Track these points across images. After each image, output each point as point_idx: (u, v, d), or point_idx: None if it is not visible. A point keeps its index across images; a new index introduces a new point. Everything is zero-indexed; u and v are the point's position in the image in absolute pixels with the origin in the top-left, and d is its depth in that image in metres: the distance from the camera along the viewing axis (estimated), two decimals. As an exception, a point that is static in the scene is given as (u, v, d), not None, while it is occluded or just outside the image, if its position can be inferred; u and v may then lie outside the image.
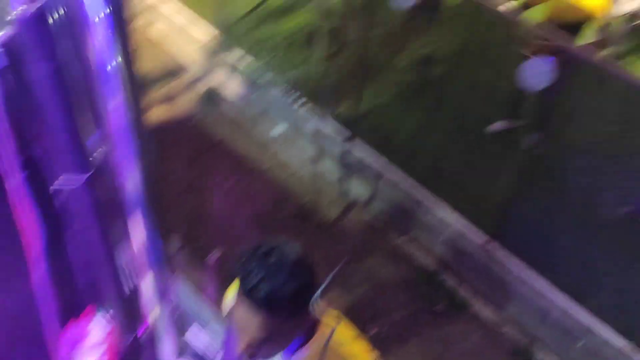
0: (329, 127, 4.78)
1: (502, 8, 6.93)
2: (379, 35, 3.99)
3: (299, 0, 6.70)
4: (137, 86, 1.72)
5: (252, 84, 3.93)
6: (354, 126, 4.89)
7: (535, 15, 5.10)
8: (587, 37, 5.11)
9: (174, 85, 6.31)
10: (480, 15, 5.68)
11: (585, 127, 5.34)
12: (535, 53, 4.62)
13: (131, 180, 1.92)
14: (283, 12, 6.60)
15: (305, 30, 3.78)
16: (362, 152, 5.22)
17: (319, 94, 3.72)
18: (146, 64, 6.58)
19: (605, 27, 5.14)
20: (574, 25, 5.01)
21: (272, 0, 6.73)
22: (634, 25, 5.96)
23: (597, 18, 4.98)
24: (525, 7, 5.13)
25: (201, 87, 6.26)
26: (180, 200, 4.89)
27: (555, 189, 5.07)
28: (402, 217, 5.23)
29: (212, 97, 6.13)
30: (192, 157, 5.64)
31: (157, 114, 6.02)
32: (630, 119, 5.29)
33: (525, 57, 4.69)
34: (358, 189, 5.42)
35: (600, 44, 5.22)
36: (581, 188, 4.94)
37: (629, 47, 6.53)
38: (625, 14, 5.66)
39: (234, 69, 4.01)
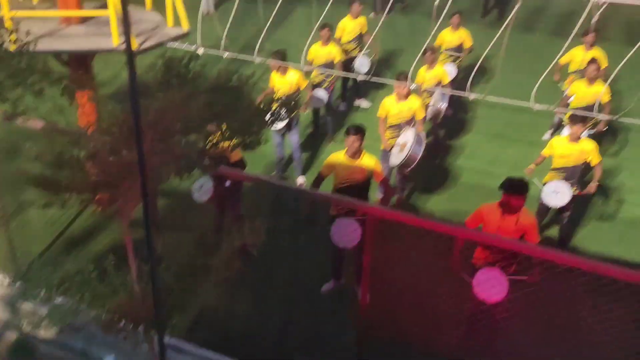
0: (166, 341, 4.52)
1: (299, 182, 7.68)
2: (191, 238, 4.06)
3: (98, 223, 6.63)
4: None
5: (69, 323, 3.61)
6: (190, 335, 4.70)
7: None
8: (376, 192, 5.84)
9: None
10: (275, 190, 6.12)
11: (394, 274, 5.74)
12: (339, 215, 5.10)
13: None
14: (84, 239, 6.47)
15: (112, 252, 3.68)
16: (205, 355, 4.98)
17: (143, 314, 3.55)
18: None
19: (385, 180, 5.93)
20: (364, 184, 5.69)
21: (69, 232, 6.55)
22: (404, 175, 7.04)
23: (378, 173, 5.72)
24: (320, 177, 5.73)
25: (9, 338, 5.58)
26: None
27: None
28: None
29: (23, 347, 5.47)
30: None
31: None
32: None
33: (332, 221, 5.16)
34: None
35: (387, 196, 5.98)
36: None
37: (407, 194, 7.62)
38: (396, 165, 6.64)
39: (42, 312, 3.68)
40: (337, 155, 5.70)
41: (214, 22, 6.87)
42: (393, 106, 6.87)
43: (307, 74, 8.05)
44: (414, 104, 6.88)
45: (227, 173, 4.64)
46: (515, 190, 4.75)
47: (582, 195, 6.39)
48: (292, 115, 7.14)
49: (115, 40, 5.71)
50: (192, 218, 6.04)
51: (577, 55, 8.10)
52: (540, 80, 5.65)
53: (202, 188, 4.31)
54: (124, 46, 2.80)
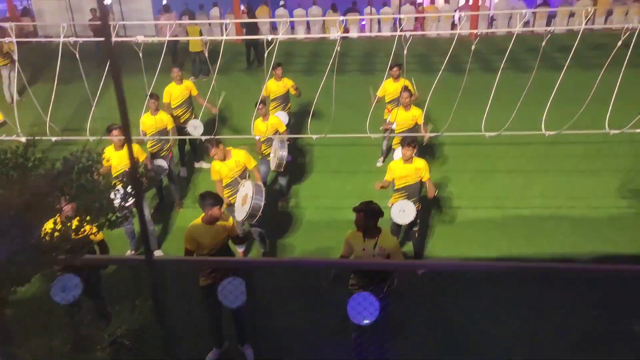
0: None
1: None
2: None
3: None
4: None
5: None
6: None
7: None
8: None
9: None
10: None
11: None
12: (213, 284, 4.99)
13: None
14: None
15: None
16: None
17: None
18: None
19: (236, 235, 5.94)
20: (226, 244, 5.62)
21: None
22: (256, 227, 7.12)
23: (232, 228, 5.70)
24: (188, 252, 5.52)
25: None
26: None
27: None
28: None
29: None
30: None
31: None
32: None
33: (206, 290, 5.01)
34: None
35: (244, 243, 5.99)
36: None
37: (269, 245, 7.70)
38: (243, 219, 6.70)
39: None
40: (195, 226, 5.41)
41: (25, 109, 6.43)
42: (222, 167, 6.84)
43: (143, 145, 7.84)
44: (239, 156, 6.89)
45: (91, 259, 4.28)
46: (358, 209, 5.06)
47: (422, 203, 6.96)
48: (142, 190, 6.89)
49: None
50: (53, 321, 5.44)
51: (389, 87, 9.03)
52: (370, 114, 6.20)
53: (67, 286, 3.87)
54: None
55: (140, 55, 6.08)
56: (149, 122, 8.13)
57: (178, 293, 6.33)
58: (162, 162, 7.99)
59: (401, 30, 5.87)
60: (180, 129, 8.97)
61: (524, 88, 6.39)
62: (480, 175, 9.20)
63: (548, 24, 17.72)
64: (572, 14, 17.98)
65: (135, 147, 7.13)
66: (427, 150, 9.22)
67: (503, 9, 17.48)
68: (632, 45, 5.54)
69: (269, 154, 8.05)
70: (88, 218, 3.31)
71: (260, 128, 7.94)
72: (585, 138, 8.30)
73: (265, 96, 9.09)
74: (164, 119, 8.24)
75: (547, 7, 18.05)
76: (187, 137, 8.96)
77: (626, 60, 5.67)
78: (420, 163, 6.66)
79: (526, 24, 18.16)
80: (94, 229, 3.27)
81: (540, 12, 17.08)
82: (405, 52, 5.52)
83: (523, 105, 6.23)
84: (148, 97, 7.83)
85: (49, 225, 3.19)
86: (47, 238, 3.01)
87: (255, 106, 7.71)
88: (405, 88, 8.15)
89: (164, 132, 8.20)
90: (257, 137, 7.79)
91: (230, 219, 5.61)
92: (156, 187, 8.55)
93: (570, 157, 9.39)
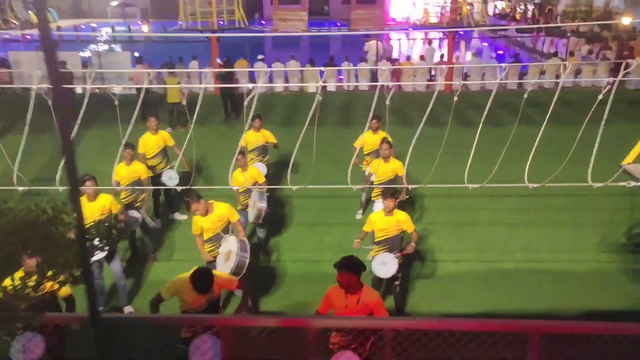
0: None
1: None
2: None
3: None
4: None
5: None
6: None
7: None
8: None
9: None
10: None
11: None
12: (193, 337, 4.73)
13: None
14: None
15: None
16: None
17: None
18: None
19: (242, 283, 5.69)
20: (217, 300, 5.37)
21: None
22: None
23: (232, 282, 5.46)
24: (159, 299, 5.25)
25: None
26: None
27: None
28: None
29: None
30: None
31: None
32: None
33: (185, 343, 4.77)
34: None
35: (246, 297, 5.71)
36: None
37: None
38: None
39: None
40: (183, 282, 5.16)
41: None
42: (203, 221, 6.57)
43: (116, 196, 7.59)
44: (222, 210, 6.66)
45: (53, 317, 3.99)
46: (339, 266, 4.87)
47: (403, 256, 6.76)
48: (112, 242, 6.58)
49: None
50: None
51: (368, 139, 9.01)
52: (350, 165, 6.11)
53: (26, 346, 3.58)
54: None
55: (116, 103, 5.97)
56: (123, 172, 7.92)
57: (151, 351, 5.97)
58: (135, 213, 7.73)
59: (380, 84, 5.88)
60: (155, 179, 8.77)
61: (498, 141, 6.44)
62: (461, 227, 9.12)
63: (520, 79, 18.25)
64: (542, 72, 18.59)
65: (109, 199, 6.89)
66: (407, 202, 9.14)
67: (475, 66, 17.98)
68: (610, 99, 5.62)
69: (248, 205, 7.86)
70: (50, 273, 3.07)
71: (239, 179, 7.78)
72: (564, 191, 8.32)
73: (244, 147, 8.98)
74: (138, 169, 8.03)
75: (519, 63, 18.63)
76: (162, 188, 8.75)
77: (605, 117, 5.74)
78: (401, 216, 6.53)
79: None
80: (56, 286, 3.03)
81: (513, 67, 17.61)
82: (387, 102, 5.51)
83: (499, 158, 6.28)
84: (123, 146, 7.64)
85: (7, 282, 2.95)
86: (4, 295, 2.75)
87: (234, 157, 7.58)
88: (385, 140, 8.13)
89: (137, 182, 7.98)
90: (235, 189, 7.62)
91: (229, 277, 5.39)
92: (129, 240, 8.24)
93: (550, 209, 9.41)
